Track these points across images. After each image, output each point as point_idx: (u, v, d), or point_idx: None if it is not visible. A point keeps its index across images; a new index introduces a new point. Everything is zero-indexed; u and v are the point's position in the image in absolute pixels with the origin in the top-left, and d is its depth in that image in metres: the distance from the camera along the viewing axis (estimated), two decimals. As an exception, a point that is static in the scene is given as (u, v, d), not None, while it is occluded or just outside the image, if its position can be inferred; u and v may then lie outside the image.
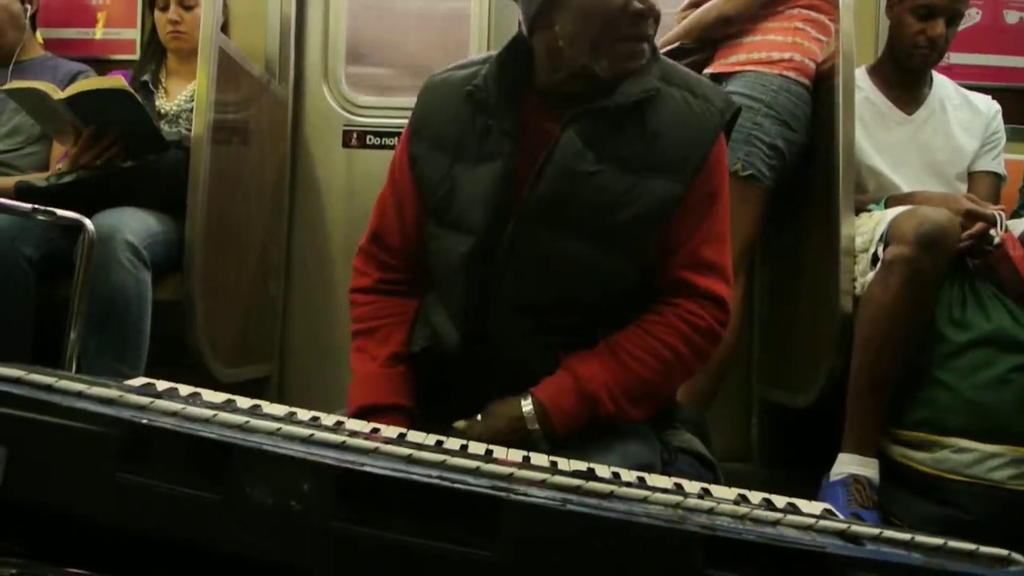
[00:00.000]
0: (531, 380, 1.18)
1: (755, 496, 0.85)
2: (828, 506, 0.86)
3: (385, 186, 1.33)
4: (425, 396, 1.27)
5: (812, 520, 0.71)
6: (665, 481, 0.87)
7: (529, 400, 1.15)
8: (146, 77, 2.33)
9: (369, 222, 1.34)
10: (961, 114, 2.15)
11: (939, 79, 2.19)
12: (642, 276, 1.21)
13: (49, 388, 0.71)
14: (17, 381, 0.71)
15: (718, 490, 0.87)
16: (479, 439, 1.03)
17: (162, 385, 0.90)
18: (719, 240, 1.24)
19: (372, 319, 1.30)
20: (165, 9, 2.31)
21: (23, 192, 1.93)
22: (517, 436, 1.12)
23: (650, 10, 1.16)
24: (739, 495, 0.85)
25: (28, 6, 2.43)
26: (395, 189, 1.31)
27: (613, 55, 1.16)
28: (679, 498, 0.70)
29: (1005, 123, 2.18)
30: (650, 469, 1.10)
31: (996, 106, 2.17)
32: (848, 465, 1.72)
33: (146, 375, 1.82)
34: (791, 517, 0.71)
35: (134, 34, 2.71)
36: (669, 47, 2.07)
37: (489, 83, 1.21)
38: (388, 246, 1.32)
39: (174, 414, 0.70)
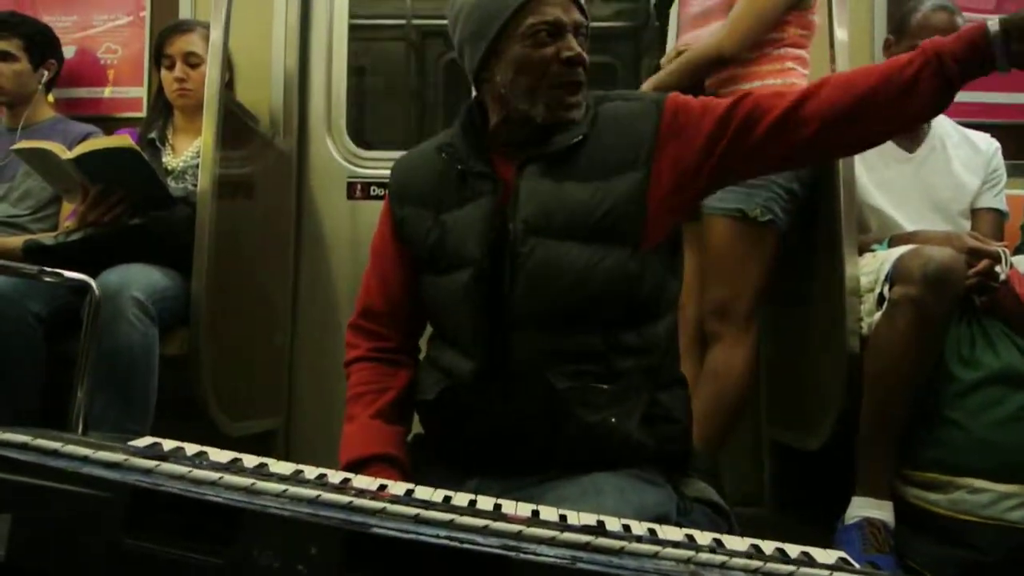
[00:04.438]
0: (555, 405, 1.18)
1: (768, 546, 0.84)
2: (843, 555, 0.85)
3: (367, 267, 1.41)
4: (444, 442, 1.30)
5: (826, 572, 0.70)
6: (677, 533, 0.85)
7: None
8: (153, 134, 2.35)
9: (356, 302, 1.42)
10: (961, 151, 2.16)
11: (937, 118, 2.20)
12: (642, 270, 1.23)
13: (55, 453, 0.71)
14: (23, 447, 0.71)
15: (730, 541, 0.85)
16: None
17: (168, 445, 0.90)
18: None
19: (360, 385, 1.35)
20: (171, 67, 2.35)
21: (31, 250, 1.95)
22: None
23: (579, 58, 1.25)
24: (752, 546, 0.84)
25: (45, 71, 2.49)
26: (378, 263, 1.39)
27: (549, 101, 1.25)
28: (691, 552, 0.70)
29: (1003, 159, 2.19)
30: (666, 520, 1.09)
31: (995, 144, 2.19)
32: (862, 509, 1.70)
33: (153, 430, 1.82)
34: (805, 570, 0.70)
35: (141, 92, 2.77)
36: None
37: (456, 138, 1.33)
38: (376, 316, 1.38)
39: (180, 477, 0.70)
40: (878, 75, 1.20)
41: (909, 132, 1.20)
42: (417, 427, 1.37)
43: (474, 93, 1.37)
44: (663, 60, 2.15)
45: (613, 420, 1.19)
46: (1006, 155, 2.20)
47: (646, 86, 2.12)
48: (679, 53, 2.09)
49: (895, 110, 1.21)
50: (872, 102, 1.20)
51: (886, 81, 1.19)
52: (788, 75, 2.02)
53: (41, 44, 2.49)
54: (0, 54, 2.42)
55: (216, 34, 2.07)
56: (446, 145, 1.33)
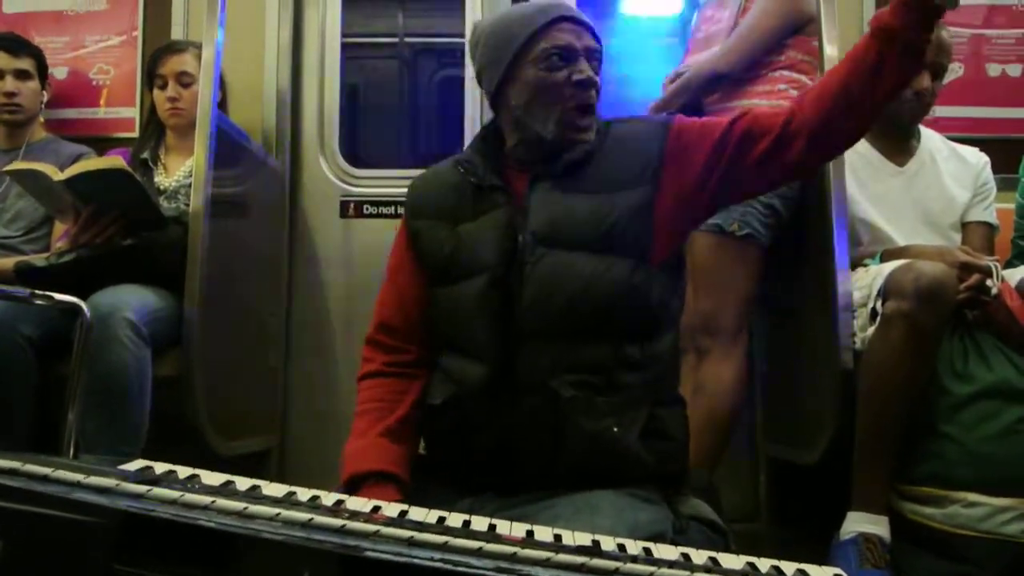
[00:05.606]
0: (559, 414, 1.20)
1: (764, 564, 0.83)
2: (839, 571, 0.85)
3: (383, 284, 1.43)
4: (447, 451, 1.31)
5: (822, 590, 0.70)
6: (673, 552, 0.85)
7: None
8: (145, 154, 2.35)
9: (372, 317, 1.43)
10: (951, 166, 2.17)
11: (926, 132, 2.21)
12: (648, 283, 1.26)
13: (45, 479, 0.70)
14: (13, 473, 0.70)
15: (726, 559, 0.85)
16: None
17: (160, 468, 0.89)
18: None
19: (369, 401, 1.36)
20: (163, 87, 2.36)
21: (23, 272, 1.94)
22: None
23: (590, 80, 1.31)
24: (748, 563, 0.83)
25: (45, 93, 2.51)
26: (394, 279, 1.42)
27: (561, 122, 1.30)
28: (686, 573, 0.69)
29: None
30: (661, 538, 1.09)
31: (985, 157, 2.20)
32: (858, 524, 1.69)
33: (146, 451, 1.80)
34: (801, 588, 0.70)
35: (133, 112, 2.76)
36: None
37: (474, 156, 1.38)
38: (392, 330, 1.40)
39: (172, 502, 0.70)
40: (845, 72, 1.28)
41: (892, 100, 1.27)
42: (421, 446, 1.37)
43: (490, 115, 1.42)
44: (664, 81, 2.18)
45: (615, 429, 1.20)
46: (996, 169, 2.21)
47: (650, 108, 2.15)
48: (678, 75, 2.12)
49: (873, 95, 1.27)
50: (849, 96, 1.27)
51: (853, 73, 1.26)
52: (778, 96, 2.04)
53: (43, 64, 2.51)
54: (21, 72, 2.45)
55: (208, 53, 2.08)
56: (463, 161, 1.38)
